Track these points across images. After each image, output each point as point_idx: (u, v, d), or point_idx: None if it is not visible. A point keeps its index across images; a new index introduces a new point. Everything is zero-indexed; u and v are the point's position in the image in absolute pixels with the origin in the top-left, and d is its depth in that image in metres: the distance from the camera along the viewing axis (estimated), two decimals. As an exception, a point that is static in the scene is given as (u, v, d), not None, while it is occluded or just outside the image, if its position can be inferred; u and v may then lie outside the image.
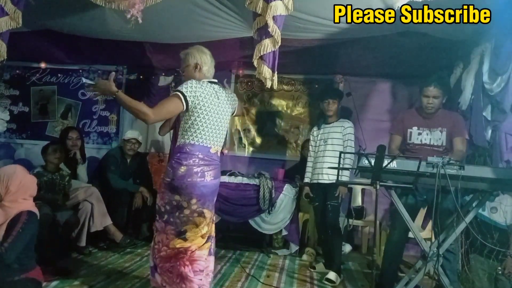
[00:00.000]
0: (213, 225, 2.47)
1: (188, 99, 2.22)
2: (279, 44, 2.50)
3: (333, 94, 3.59)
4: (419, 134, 2.97)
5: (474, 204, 2.58)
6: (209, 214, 2.37)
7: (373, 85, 4.94)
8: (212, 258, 2.49)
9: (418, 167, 2.31)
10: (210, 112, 2.29)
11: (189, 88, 2.23)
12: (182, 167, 2.23)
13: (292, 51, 3.77)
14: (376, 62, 4.33)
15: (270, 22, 2.43)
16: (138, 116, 2.17)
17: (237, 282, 3.18)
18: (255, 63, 2.58)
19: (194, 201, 2.27)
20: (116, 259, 3.59)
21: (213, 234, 2.48)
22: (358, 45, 3.74)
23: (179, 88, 2.24)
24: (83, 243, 3.63)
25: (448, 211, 2.63)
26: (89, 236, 3.68)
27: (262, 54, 2.51)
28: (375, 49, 3.85)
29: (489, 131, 3.06)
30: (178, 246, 2.29)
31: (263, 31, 2.50)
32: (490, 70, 2.97)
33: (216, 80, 2.44)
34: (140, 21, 2.40)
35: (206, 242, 2.38)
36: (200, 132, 2.27)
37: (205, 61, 2.41)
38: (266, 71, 2.53)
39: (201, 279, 2.32)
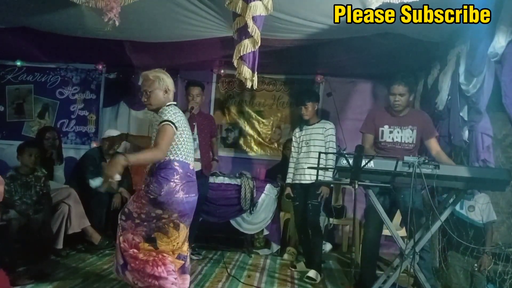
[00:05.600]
0: (186, 244, 2.50)
1: (176, 124, 2.33)
2: (259, 44, 2.49)
3: (305, 100, 3.54)
4: (391, 132, 3.02)
5: (449, 202, 2.63)
6: (184, 230, 2.42)
7: (353, 85, 4.99)
8: (187, 277, 2.50)
9: (396, 167, 2.34)
10: (186, 132, 2.43)
11: (172, 115, 2.35)
12: (170, 183, 2.31)
13: (273, 51, 3.77)
14: (356, 63, 4.37)
15: (250, 23, 2.42)
16: (153, 160, 2.34)
17: (217, 282, 3.17)
18: (235, 63, 2.58)
19: (175, 215, 2.35)
20: (94, 261, 3.53)
21: (187, 253, 2.50)
22: (338, 46, 3.76)
23: (164, 118, 2.33)
24: (60, 245, 3.55)
25: (424, 209, 2.68)
26: (66, 238, 3.60)
27: (242, 54, 2.50)
28: (355, 50, 3.88)
29: (466, 131, 3.13)
30: (147, 250, 2.34)
31: (243, 31, 2.49)
32: (466, 71, 3.03)
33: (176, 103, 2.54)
34: (117, 23, 2.39)
35: (178, 258, 2.41)
36: (184, 149, 2.39)
37: (172, 85, 2.52)
38: (246, 71, 2.53)
39: (175, 278, 2.34)
